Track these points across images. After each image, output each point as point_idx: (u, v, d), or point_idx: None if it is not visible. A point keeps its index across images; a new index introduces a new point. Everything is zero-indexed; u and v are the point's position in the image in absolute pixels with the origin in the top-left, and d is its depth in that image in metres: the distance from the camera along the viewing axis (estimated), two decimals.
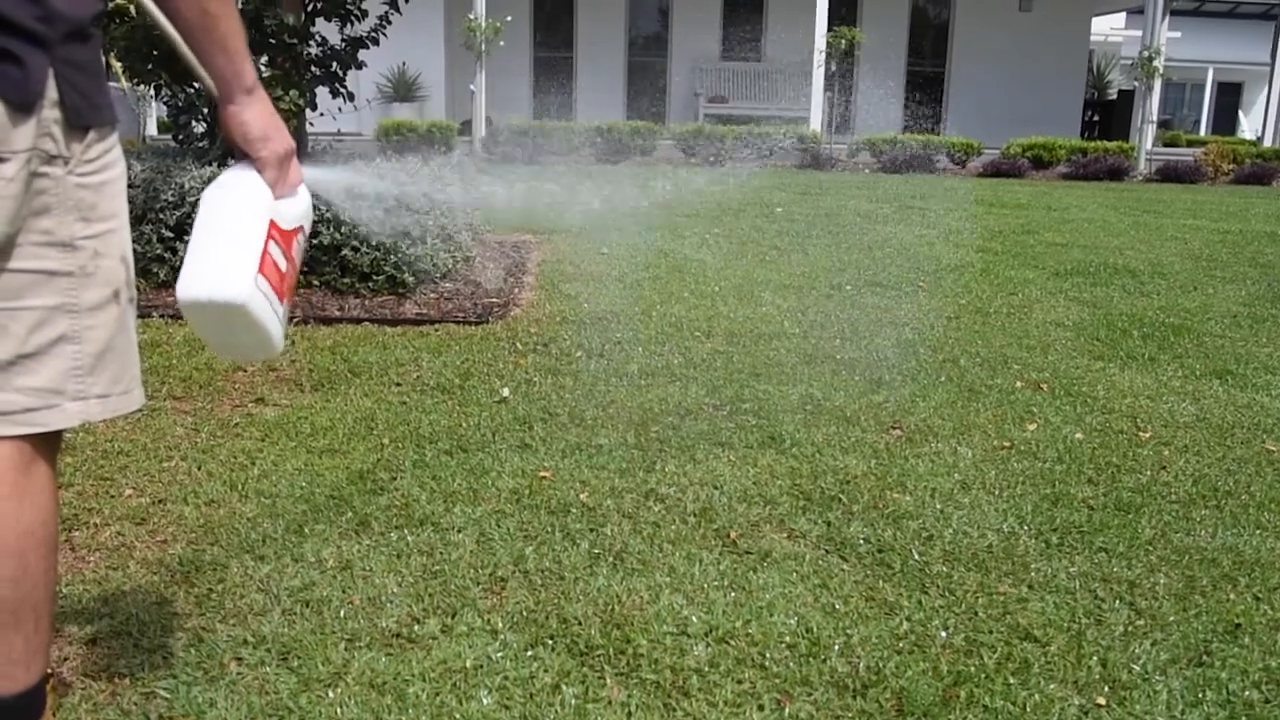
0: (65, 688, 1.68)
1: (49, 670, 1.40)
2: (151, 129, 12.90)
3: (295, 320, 3.85)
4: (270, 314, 1.46)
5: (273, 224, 1.46)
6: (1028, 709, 1.73)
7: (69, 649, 1.79)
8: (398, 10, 4.88)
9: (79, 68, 1.23)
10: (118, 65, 4.64)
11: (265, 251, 1.44)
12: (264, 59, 4.41)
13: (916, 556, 2.25)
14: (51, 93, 1.19)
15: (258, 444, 2.72)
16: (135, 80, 4.29)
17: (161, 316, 3.81)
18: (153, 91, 4.91)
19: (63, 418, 1.28)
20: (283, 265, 1.48)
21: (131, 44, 4.08)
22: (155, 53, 4.09)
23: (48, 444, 1.30)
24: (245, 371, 3.31)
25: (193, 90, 4.41)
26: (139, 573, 2.05)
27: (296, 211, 1.52)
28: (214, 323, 1.46)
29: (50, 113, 1.20)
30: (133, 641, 1.81)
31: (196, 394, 3.09)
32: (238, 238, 1.43)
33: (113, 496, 2.39)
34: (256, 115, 1.42)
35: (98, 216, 1.28)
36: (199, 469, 2.56)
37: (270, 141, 1.44)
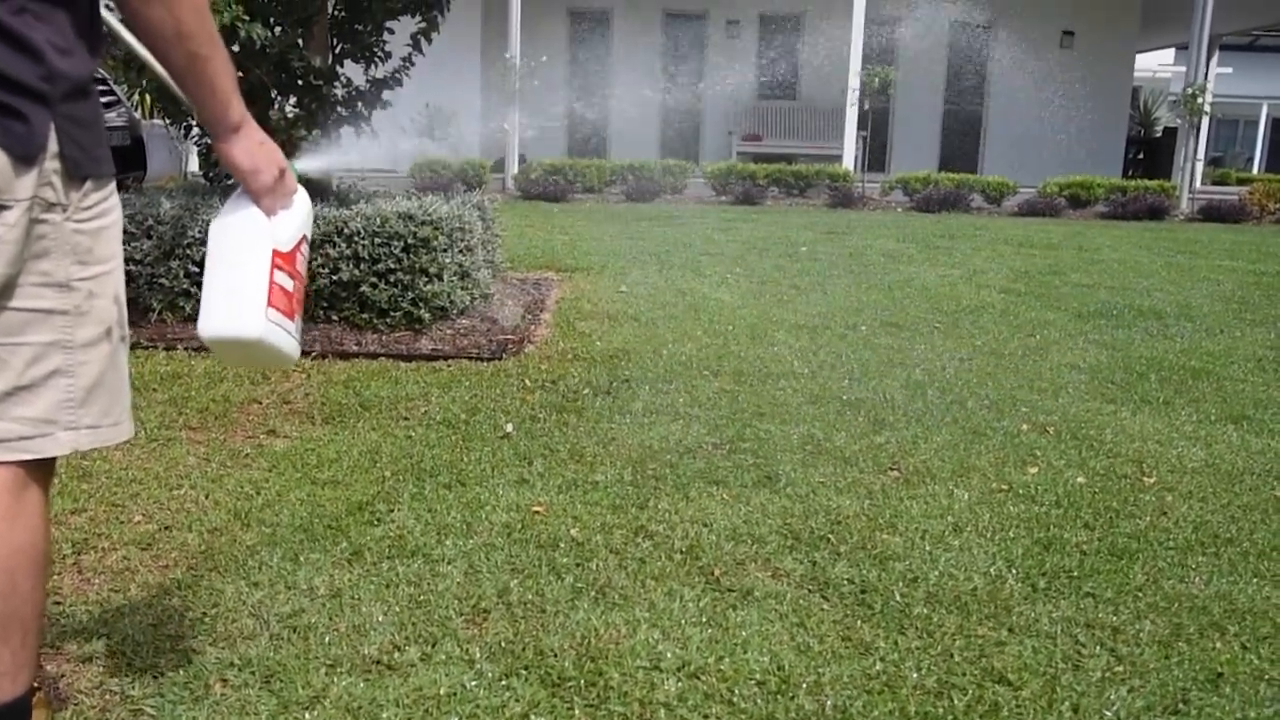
0: (61, 702, 1.76)
1: (36, 684, 1.48)
2: (194, 165, 13.25)
3: (313, 355, 3.96)
4: (284, 337, 1.59)
5: (275, 253, 1.57)
6: None
7: (66, 666, 1.87)
8: (421, 52, 5.03)
9: (78, 122, 1.32)
10: None
11: (271, 282, 1.56)
12: (291, 100, 4.57)
13: (898, 598, 2.27)
14: (52, 145, 1.29)
15: (265, 474, 2.81)
16: (169, 120, 4.47)
17: (185, 349, 3.94)
18: (183, 132, 5.10)
19: (55, 446, 1.37)
20: (289, 286, 1.60)
21: (164, 85, 4.25)
22: None
23: (41, 470, 1.39)
24: (260, 404, 3.41)
25: None
26: (139, 595, 2.14)
27: (295, 225, 1.62)
28: (234, 352, 1.62)
29: (51, 164, 1.29)
30: (126, 661, 1.89)
31: (211, 425, 3.20)
32: (246, 276, 1.56)
33: (122, 522, 2.48)
34: (244, 150, 1.51)
35: (93, 260, 1.38)
36: (206, 497, 2.65)
37: (260, 173, 1.53)
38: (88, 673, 1.85)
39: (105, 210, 1.40)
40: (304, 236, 1.67)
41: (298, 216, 1.64)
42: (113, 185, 1.43)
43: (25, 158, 1.26)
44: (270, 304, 1.56)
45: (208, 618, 2.05)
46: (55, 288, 1.34)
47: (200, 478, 2.78)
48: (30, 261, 1.31)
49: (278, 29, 4.31)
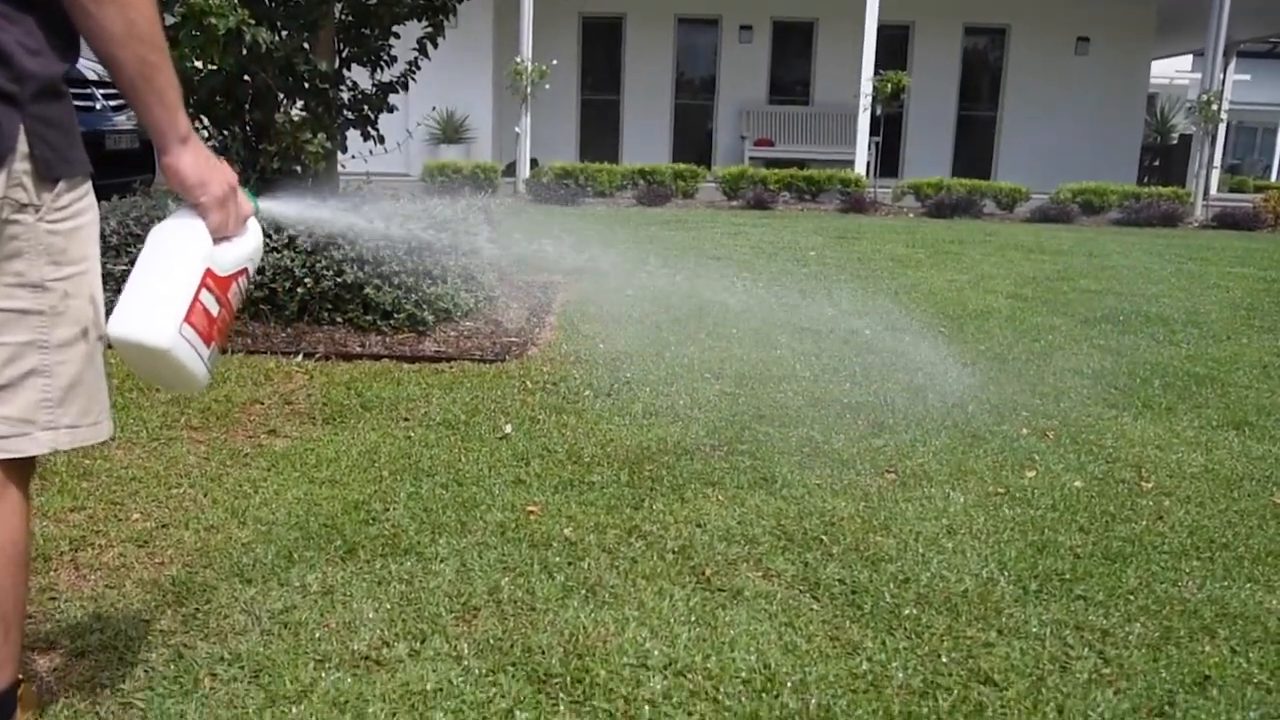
0: (51, 695, 1.78)
1: (20, 677, 1.50)
2: None
3: (317, 356, 3.98)
4: (193, 357, 1.53)
5: (208, 272, 1.53)
6: None
7: (59, 660, 1.90)
8: (427, 56, 5.07)
9: (50, 123, 1.34)
10: None
11: (195, 299, 1.51)
12: (298, 104, 4.61)
13: (889, 599, 2.27)
14: (22, 146, 1.30)
15: (263, 473, 2.84)
16: None
17: None
18: None
19: (34, 445, 1.39)
20: (214, 310, 1.55)
21: None
22: (194, 98, 4.31)
23: (19, 469, 1.41)
24: (262, 404, 3.44)
25: (226, 134, 4.62)
26: (134, 592, 2.16)
27: (239, 253, 1.59)
28: (139, 358, 1.54)
29: (21, 165, 1.30)
30: (118, 655, 1.91)
31: (213, 425, 3.23)
32: (170, 285, 1.51)
33: (120, 520, 2.51)
34: (190, 163, 1.48)
35: (68, 260, 1.39)
36: (204, 496, 2.68)
37: (207, 186, 1.50)
38: (80, 667, 1.88)
39: (80, 211, 1.41)
40: (245, 270, 1.62)
41: (245, 246, 1.60)
42: (88, 185, 1.43)
43: None
44: (187, 320, 1.51)
45: (200, 614, 2.08)
46: (29, 288, 1.35)
47: (199, 476, 2.81)
48: (3, 262, 1.32)
49: (284, 33, 4.36)
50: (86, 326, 1.42)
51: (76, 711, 1.74)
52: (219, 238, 1.55)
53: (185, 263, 1.53)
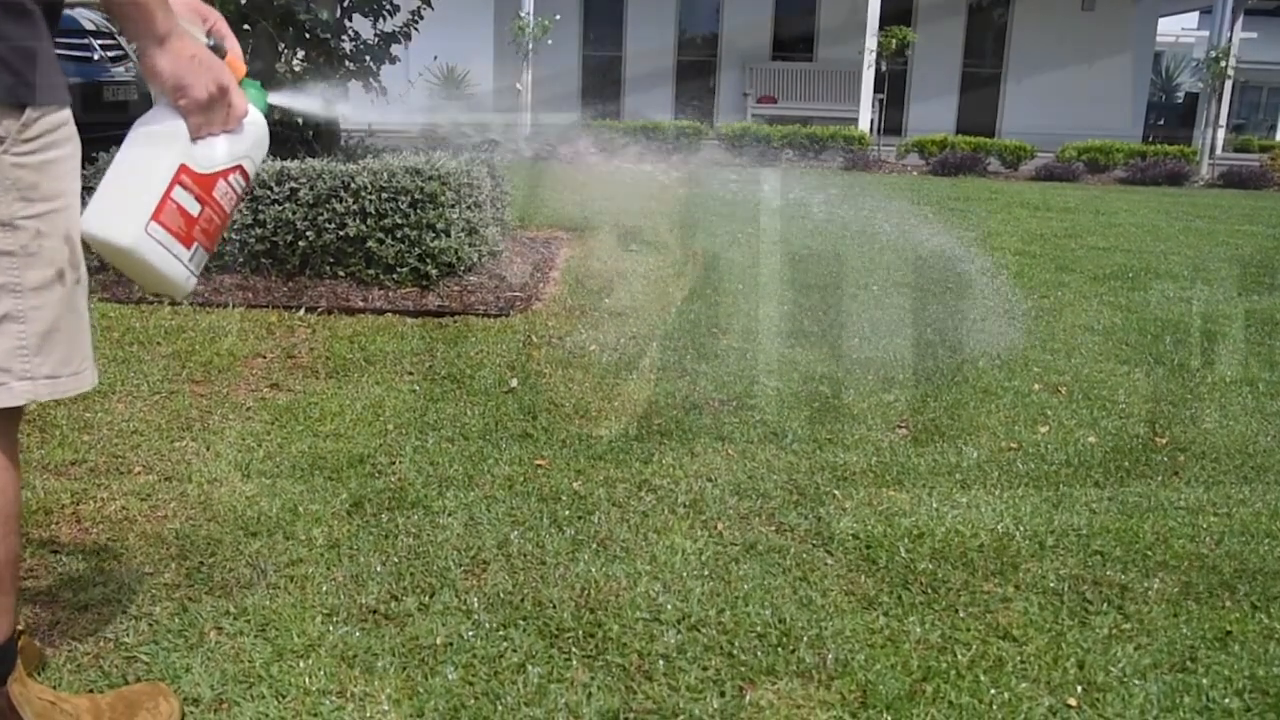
0: (53, 649, 1.75)
1: (18, 629, 1.46)
2: None
3: (319, 310, 3.92)
4: (166, 258, 1.45)
5: (183, 169, 1.44)
6: (994, 706, 1.72)
7: (61, 614, 1.86)
8: (429, 5, 4.95)
9: (10, 45, 1.23)
10: None
11: (166, 197, 1.43)
12: (299, 54, 4.51)
13: (904, 553, 2.24)
14: None
15: (267, 427, 2.79)
16: None
17: (190, 304, 3.92)
18: None
19: (10, 396, 1.30)
20: (194, 210, 1.46)
21: None
22: None
23: (2, 421, 1.33)
24: (264, 358, 3.39)
25: None
26: (137, 545, 2.12)
27: (227, 150, 1.49)
28: (114, 258, 1.46)
29: None
30: (121, 609, 1.88)
31: (215, 378, 3.18)
32: (138, 182, 1.43)
33: (122, 473, 2.47)
34: (169, 65, 1.37)
35: (39, 196, 1.28)
36: (207, 449, 2.63)
37: (189, 89, 1.40)
38: (82, 620, 1.84)
39: (52, 143, 1.31)
40: (239, 167, 1.52)
41: (238, 144, 1.50)
42: (64, 116, 1.33)
43: None
44: (156, 219, 1.42)
45: (204, 567, 2.04)
46: None
47: (202, 430, 2.76)
48: None
49: None
50: (62, 268, 1.32)
51: (80, 665, 1.71)
52: (202, 135, 1.46)
53: (156, 159, 1.43)
